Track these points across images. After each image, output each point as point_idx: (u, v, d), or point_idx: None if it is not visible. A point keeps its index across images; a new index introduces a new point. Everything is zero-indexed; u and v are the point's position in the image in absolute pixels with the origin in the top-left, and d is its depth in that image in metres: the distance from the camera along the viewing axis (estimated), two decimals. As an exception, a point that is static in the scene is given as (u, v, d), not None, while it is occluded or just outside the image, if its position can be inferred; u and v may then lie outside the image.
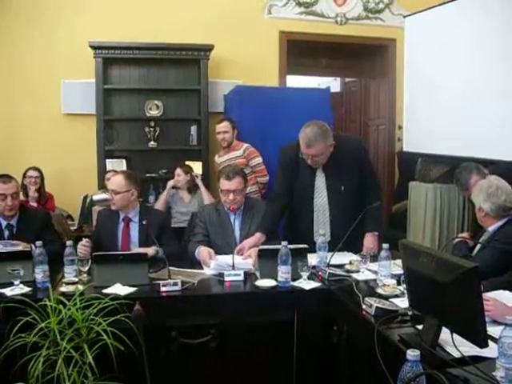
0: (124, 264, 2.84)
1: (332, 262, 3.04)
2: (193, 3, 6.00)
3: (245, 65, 6.08)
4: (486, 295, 2.22)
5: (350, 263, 3.09)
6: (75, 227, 5.06)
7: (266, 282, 2.83)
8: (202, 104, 5.81)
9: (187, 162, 5.50)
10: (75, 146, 5.79)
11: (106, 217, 3.62)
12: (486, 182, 3.04)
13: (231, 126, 5.13)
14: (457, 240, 3.29)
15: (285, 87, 6.33)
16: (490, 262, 2.71)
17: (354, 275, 2.96)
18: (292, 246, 2.86)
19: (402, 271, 2.34)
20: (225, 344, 2.75)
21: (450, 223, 5.23)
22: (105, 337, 2.22)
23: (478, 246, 3.04)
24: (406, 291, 2.30)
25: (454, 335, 1.85)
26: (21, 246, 3.15)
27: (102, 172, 5.53)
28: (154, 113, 5.88)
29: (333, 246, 3.09)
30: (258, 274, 2.96)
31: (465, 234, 3.49)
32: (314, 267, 3.02)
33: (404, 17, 6.02)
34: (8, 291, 2.66)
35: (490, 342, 1.79)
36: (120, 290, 2.69)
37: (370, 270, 3.03)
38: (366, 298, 2.41)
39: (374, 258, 3.12)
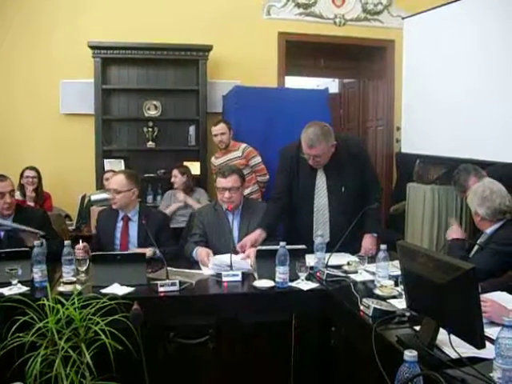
0: (122, 264, 2.83)
1: (330, 263, 3.04)
2: (192, 4, 6.01)
3: (243, 65, 6.09)
4: (484, 296, 2.23)
5: (348, 264, 3.09)
6: (73, 227, 5.06)
7: (263, 283, 2.83)
8: (200, 104, 5.81)
9: (185, 163, 5.51)
10: (73, 145, 5.79)
11: (106, 216, 3.63)
12: (480, 186, 3.03)
13: (227, 127, 5.12)
14: (451, 239, 3.27)
15: (283, 88, 6.33)
16: (487, 263, 2.72)
17: (352, 276, 2.96)
18: (290, 247, 2.86)
19: (399, 272, 2.34)
20: (223, 344, 2.75)
21: (447, 224, 5.21)
22: (103, 336, 2.23)
23: (476, 248, 3.04)
24: (403, 292, 2.30)
25: (452, 336, 1.85)
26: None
27: (101, 172, 5.54)
28: (153, 113, 5.89)
29: (332, 247, 3.10)
30: (255, 275, 2.96)
31: (453, 220, 3.48)
32: (312, 268, 3.02)
33: (403, 18, 6.02)
34: (6, 291, 2.66)
35: (488, 343, 1.79)
36: (118, 289, 2.69)
37: (367, 271, 3.03)
38: (364, 299, 2.41)
39: (372, 258, 3.12)
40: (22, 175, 5.12)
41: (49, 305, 2.30)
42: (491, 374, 1.64)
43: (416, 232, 5.45)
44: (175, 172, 5.17)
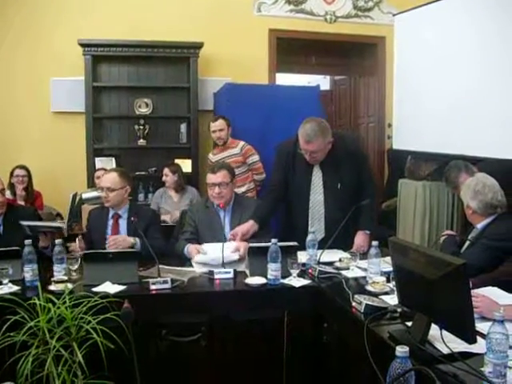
0: (113, 262, 2.83)
1: (322, 260, 3.05)
2: (182, 1, 5.99)
3: (234, 62, 6.08)
4: (475, 292, 2.24)
5: (340, 261, 3.09)
6: (64, 225, 5.02)
7: (255, 280, 2.83)
8: (191, 102, 5.80)
9: (176, 160, 5.50)
10: (64, 144, 5.77)
11: (97, 215, 3.63)
12: (474, 180, 3.05)
13: (226, 123, 5.12)
14: (445, 235, 3.30)
15: (274, 85, 6.34)
16: (478, 258, 2.72)
17: (344, 272, 2.97)
18: (282, 244, 2.86)
19: (391, 268, 2.35)
20: (215, 342, 2.75)
21: (439, 220, 5.26)
22: (94, 335, 2.22)
23: (467, 243, 3.06)
24: (395, 288, 2.30)
25: (443, 331, 1.86)
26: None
27: (92, 170, 5.52)
28: (144, 111, 5.87)
29: (326, 243, 3.11)
30: (247, 272, 2.96)
31: (449, 232, 3.51)
32: (304, 265, 3.03)
33: (393, 15, 6.03)
34: (-4, 290, 2.65)
35: (479, 338, 1.80)
36: (109, 288, 2.69)
37: (359, 268, 3.04)
38: (356, 296, 2.42)
39: (364, 255, 3.13)
40: (11, 174, 5.09)
41: (40, 304, 2.29)
42: (482, 369, 1.65)
43: (408, 228, 5.46)
44: (166, 171, 5.17)
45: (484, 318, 2.12)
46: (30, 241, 2.81)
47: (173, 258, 3.28)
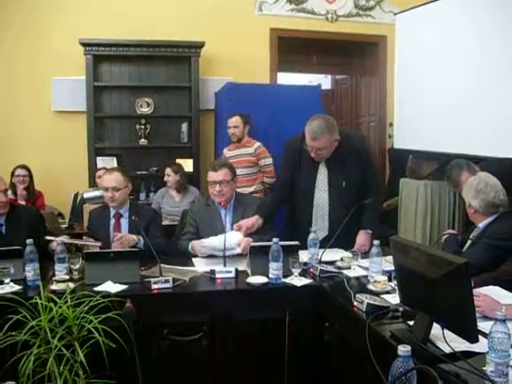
0: (115, 261, 2.83)
1: (323, 259, 3.05)
2: (183, 0, 6.00)
3: (235, 62, 6.08)
4: (477, 291, 2.23)
5: (342, 260, 3.09)
6: (66, 225, 5.03)
7: (257, 279, 2.82)
8: (192, 101, 5.80)
9: (178, 160, 5.50)
10: (65, 143, 5.78)
11: (98, 215, 3.61)
12: (476, 179, 3.05)
13: (242, 120, 5.12)
14: (446, 235, 3.30)
15: (276, 84, 6.34)
16: (479, 257, 2.72)
17: (346, 272, 2.96)
18: (283, 243, 2.86)
19: (392, 267, 2.34)
20: (216, 341, 2.75)
21: (440, 219, 5.26)
22: (96, 334, 2.22)
23: (469, 242, 3.05)
24: (396, 287, 2.30)
25: (445, 331, 1.86)
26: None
27: (93, 170, 5.52)
28: (145, 110, 5.87)
29: (329, 241, 3.11)
30: (249, 271, 2.96)
31: (451, 231, 3.50)
32: (305, 264, 3.02)
33: (395, 14, 6.02)
34: (-2, 289, 2.65)
35: (481, 337, 1.80)
36: (111, 287, 2.68)
37: (361, 267, 3.03)
38: (358, 295, 2.41)
39: (366, 254, 3.12)
40: (12, 174, 5.09)
41: (42, 303, 2.29)
42: (484, 368, 1.65)
43: (409, 227, 5.46)
44: (168, 171, 5.17)
45: (486, 317, 2.12)
46: (32, 240, 2.81)
47: (174, 257, 3.28)
